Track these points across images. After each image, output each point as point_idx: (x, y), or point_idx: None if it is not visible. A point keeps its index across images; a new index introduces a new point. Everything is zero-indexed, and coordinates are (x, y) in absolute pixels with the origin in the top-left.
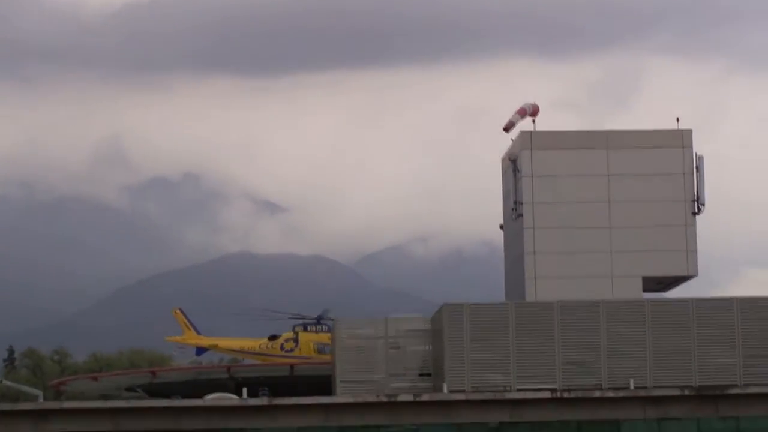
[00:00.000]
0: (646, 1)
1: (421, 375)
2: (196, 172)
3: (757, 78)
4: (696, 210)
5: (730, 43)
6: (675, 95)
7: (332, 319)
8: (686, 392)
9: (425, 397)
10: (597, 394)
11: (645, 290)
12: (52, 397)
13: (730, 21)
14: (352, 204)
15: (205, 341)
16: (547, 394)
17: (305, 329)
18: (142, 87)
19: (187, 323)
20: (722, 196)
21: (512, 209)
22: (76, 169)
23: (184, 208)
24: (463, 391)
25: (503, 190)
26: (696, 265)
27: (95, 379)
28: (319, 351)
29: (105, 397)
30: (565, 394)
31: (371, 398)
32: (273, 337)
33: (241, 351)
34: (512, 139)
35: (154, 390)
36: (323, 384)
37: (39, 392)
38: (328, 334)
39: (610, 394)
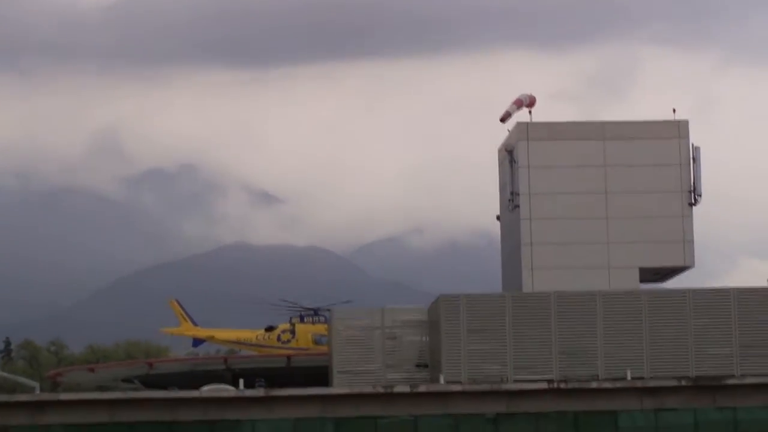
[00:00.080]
0: None
1: (417, 366)
2: (192, 163)
3: (753, 68)
4: (692, 201)
5: (725, 33)
6: (671, 85)
7: (329, 310)
8: (683, 383)
9: (422, 388)
10: (594, 384)
11: (642, 281)
12: (48, 388)
13: (726, 10)
14: (348, 195)
15: (201, 332)
16: (544, 385)
17: (302, 320)
18: (139, 79)
19: (184, 314)
20: (718, 187)
21: (509, 200)
22: (73, 161)
23: (181, 200)
24: (460, 382)
25: (500, 181)
26: (693, 256)
27: (92, 370)
28: (317, 342)
29: (102, 388)
30: (562, 385)
31: (368, 389)
32: (270, 329)
33: (238, 342)
34: (509, 130)
35: (150, 381)
36: (320, 375)
37: (36, 384)
38: (325, 325)
39: (607, 384)
